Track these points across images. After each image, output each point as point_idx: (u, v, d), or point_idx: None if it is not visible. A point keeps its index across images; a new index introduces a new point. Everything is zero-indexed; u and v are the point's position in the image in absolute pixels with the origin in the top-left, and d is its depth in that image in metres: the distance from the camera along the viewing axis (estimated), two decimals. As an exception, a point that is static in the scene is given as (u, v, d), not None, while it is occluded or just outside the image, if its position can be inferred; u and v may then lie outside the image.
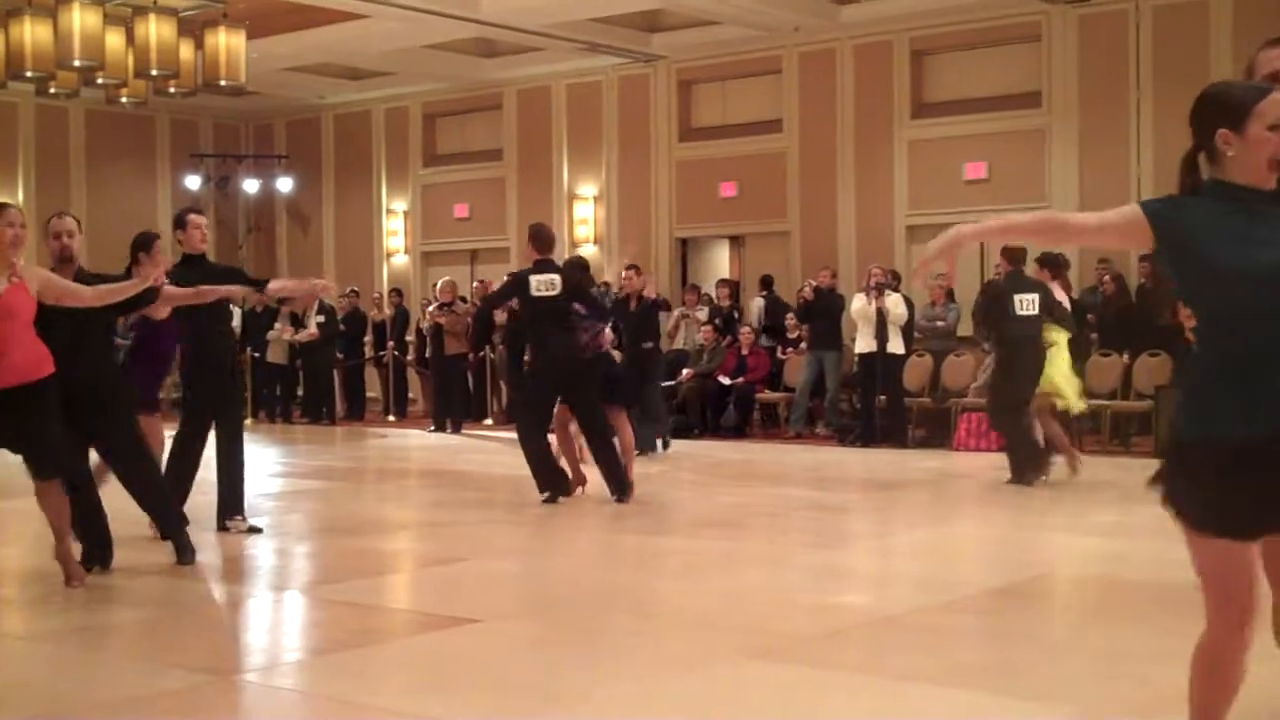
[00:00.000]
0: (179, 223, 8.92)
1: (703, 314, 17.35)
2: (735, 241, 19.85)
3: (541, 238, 10.46)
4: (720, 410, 16.39)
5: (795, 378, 16.23)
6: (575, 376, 10.25)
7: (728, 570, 7.85)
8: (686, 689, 5.25)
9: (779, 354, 16.79)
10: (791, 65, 18.21)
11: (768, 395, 16.56)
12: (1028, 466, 10.96)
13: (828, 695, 5.19)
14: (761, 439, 15.87)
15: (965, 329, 14.95)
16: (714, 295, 18.01)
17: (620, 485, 10.33)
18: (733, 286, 18.04)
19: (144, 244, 8.57)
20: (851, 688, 5.29)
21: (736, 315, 17.37)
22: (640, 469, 12.96)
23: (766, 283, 17.96)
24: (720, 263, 20.15)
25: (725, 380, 16.39)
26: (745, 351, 16.55)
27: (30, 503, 7.03)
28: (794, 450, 14.79)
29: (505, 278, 11.27)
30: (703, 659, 5.68)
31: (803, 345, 16.28)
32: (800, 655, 5.74)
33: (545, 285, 10.17)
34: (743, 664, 5.59)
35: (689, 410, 16.37)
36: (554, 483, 10.34)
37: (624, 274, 13.92)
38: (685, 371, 16.60)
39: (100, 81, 14.56)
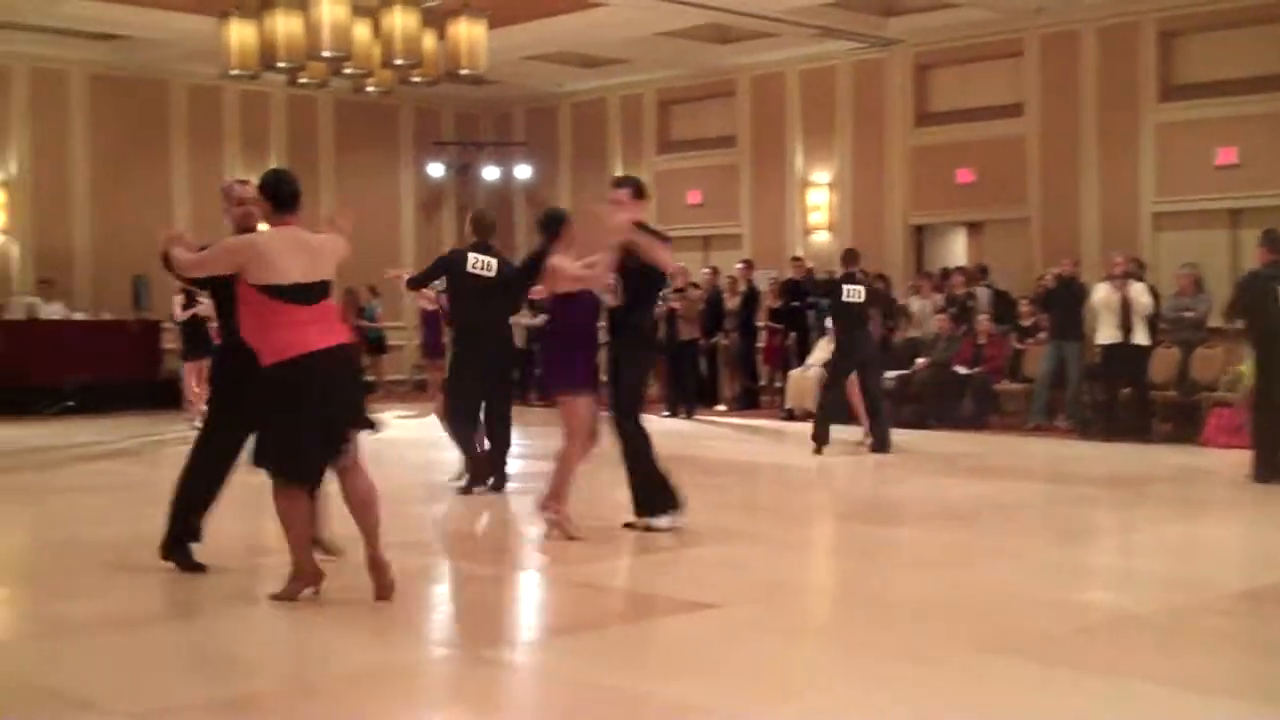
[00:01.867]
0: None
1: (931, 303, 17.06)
2: (973, 229, 19.45)
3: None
4: (956, 401, 16.08)
5: (1034, 368, 15.83)
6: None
7: (962, 563, 7.70)
8: (923, 682, 5.16)
9: (1015, 344, 16.38)
10: (1033, 48, 17.74)
11: (1006, 386, 16.18)
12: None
13: (1068, 695, 5.05)
14: (999, 430, 15.52)
15: (1216, 320, 14.36)
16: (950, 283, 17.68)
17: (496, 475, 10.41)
18: (969, 274, 17.68)
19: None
20: (1094, 689, 5.12)
21: (972, 304, 17.01)
22: (872, 460, 12.84)
23: (983, 272, 17.61)
24: (956, 250, 19.77)
25: (961, 370, 16.08)
26: (982, 341, 16.20)
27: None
28: (1032, 443, 14.42)
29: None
30: (938, 652, 5.58)
31: (1041, 335, 15.87)
32: (1039, 652, 5.59)
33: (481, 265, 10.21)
34: (979, 659, 5.47)
35: (923, 400, 16.11)
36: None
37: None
38: (919, 360, 16.34)
39: (348, 72, 14.99)
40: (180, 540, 7.07)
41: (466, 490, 10.31)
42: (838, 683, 5.18)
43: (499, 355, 10.49)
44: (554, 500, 8.29)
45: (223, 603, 6.59)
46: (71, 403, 17.32)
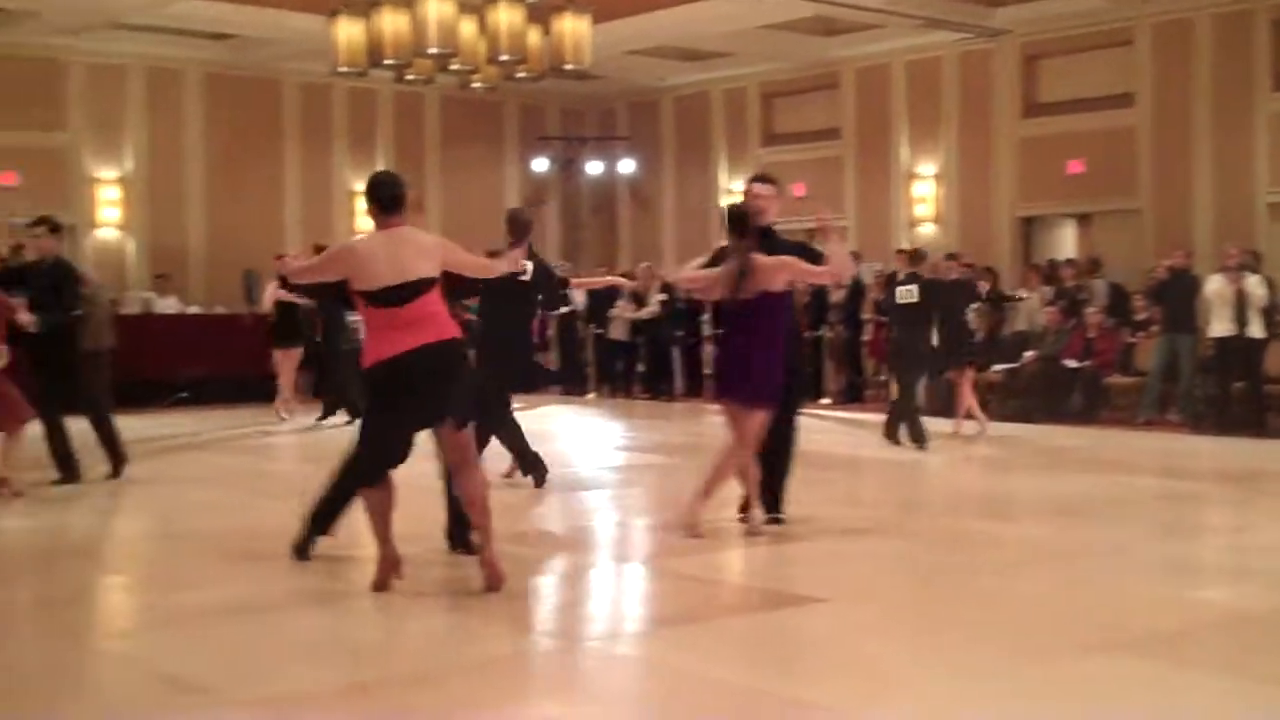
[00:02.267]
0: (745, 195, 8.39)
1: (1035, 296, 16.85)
2: (1082, 220, 19.19)
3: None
4: (1065, 394, 15.87)
5: (1146, 362, 15.58)
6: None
7: (1072, 559, 7.61)
8: (1034, 680, 5.12)
9: (1127, 338, 16.13)
10: (1144, 37, 17.45)
11: (1117, 379, 15.94)
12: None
13: (1183, 694, 4.98)
14: (1108, 425, 15.29)
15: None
16: (1059, 275, 17.45)
17: None
18: (1080, 267, 17.42)
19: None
20: (1210, 689, 5.05)
21: (1083, 296, 16.77)
22: (980, 454, 12.72)
23: (1096, 264, 17.33)
24: (1065, 242, 19.51)
25: (1071, 363, 15.86)
26: (1092, 334, 15.97)
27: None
28: (1143, 437, 14.20)
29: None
30: (1049, 650, 5.53)
31: (1153, 328, 15.61)
32: (1151, 650, 5.52)
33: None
34: (1090, 657, 5.41)
35: (1031, 394, 15.92)
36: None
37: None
38: (1028, 354, 16.15)
39: (454, 68, 15.11)
40: (315, 531, 7.20)
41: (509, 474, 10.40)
42: (947, 679, 5.15)
43: (527, 356, 10.41)
44: (699, 499, 8.11)
45: (337, 592, 6.70)
46: (185, 394, 17.68)
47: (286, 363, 15.83)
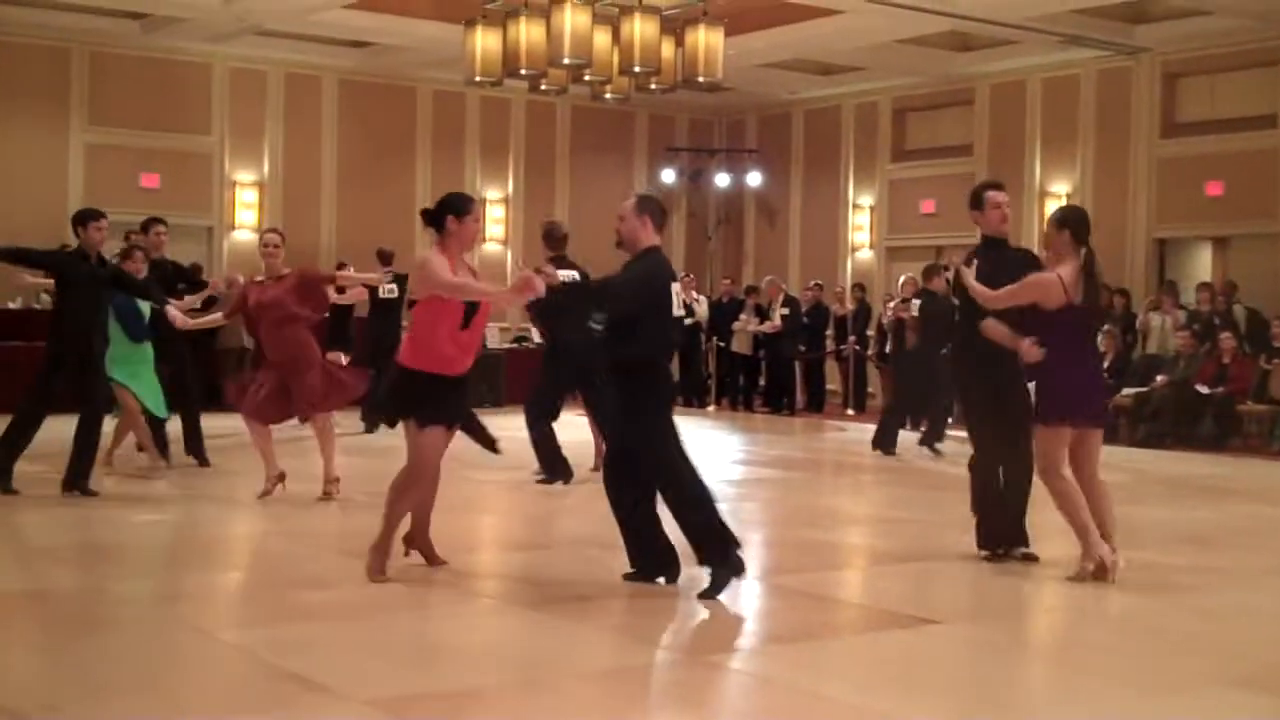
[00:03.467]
0: (976, 202, 8.04)
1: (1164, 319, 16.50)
2: (1219, 243, 18.74)
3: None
4: (1196, 421, 15.51)
5: (1281, 390, 15.18)
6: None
7: (1203, 589, 7.43)
8: (1160, 715, 5.00)
9: (1262, 364, 15.72)
10: (1290, 56, 17.04)
11: (1250, 407, 15.54)
12: None
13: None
14: (1240, 453, 14.91)
15: None
16: (1194, 299, 17.08)
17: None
18: (1216, 291, 17.02)
19: None
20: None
21: (1217, 321, 16.38)
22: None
23: (1233, 288, 16.95)
24: (1201, 265, 19.07)
25: (1203, 389, 15.50)
26: (1226, 360, 15.59)
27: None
28: (1278, 467, 13.82)
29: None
30: (1180, 683, 5.40)
31: (1291, 356, 15.22)
32: (1284, 688, 5.38)
33: None
34: (1225, 692, 5.28)
35: (1161, 419, 15.59)
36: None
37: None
38: (1159, 378, 15.82)
39: (587, 79, 15.23)
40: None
41: (546, 482, 10.82)
42: (1069, 709, 5.05)
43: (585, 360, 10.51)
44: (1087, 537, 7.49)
45: (453, 596, 6.77)
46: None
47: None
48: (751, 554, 8.41)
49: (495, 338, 20.17)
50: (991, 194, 8.02)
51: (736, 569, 6.84)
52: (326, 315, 10.88)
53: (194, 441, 11.58)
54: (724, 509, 9.42)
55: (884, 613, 6.74)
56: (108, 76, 18.88)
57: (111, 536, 8.43)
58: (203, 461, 11.52)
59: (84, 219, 9.85)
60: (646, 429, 6.87)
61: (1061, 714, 4.98)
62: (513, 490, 10.68)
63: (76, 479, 9.59)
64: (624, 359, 6.95)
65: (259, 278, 9.85)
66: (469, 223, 7.00)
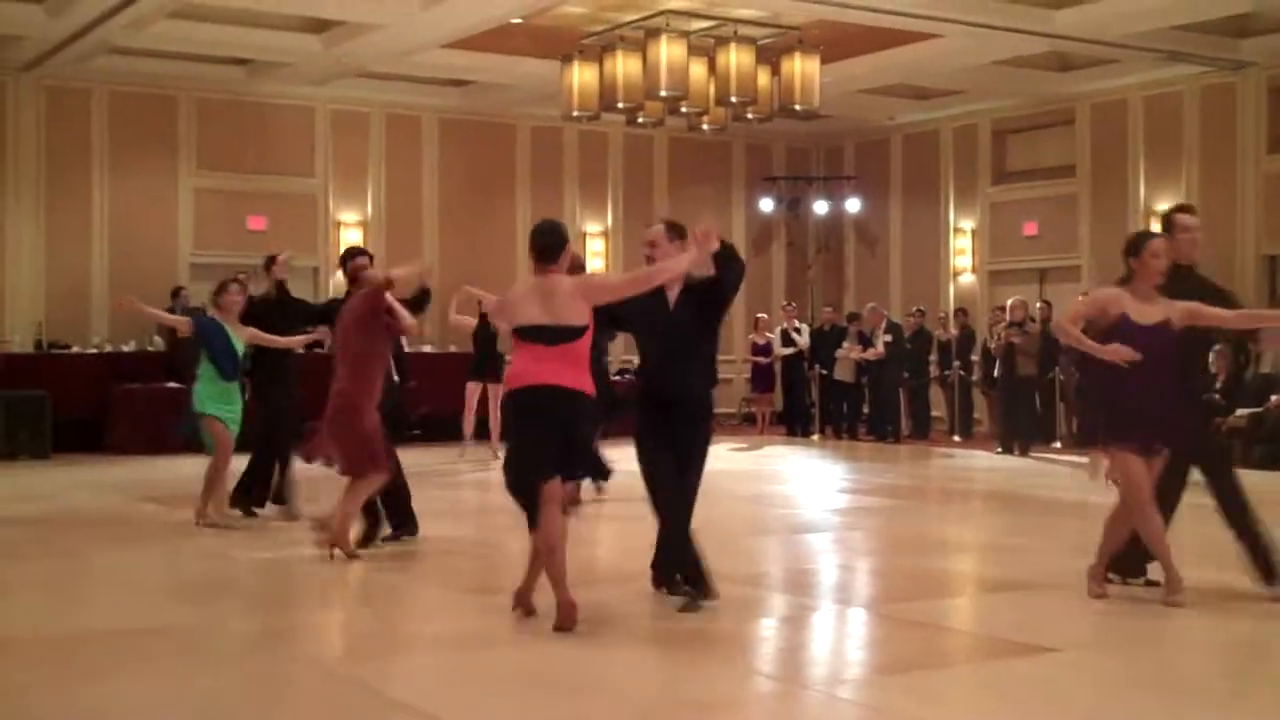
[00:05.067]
0: (1166, 226, 7.82)
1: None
2: (1333, 259, 18.35)
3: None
4: (1313, 440, 15.16)
5: (1403, 408, 14.79)
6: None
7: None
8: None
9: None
10: (1401, 67, 16.67)
11: (1369, 426, 15.17)
12: None
13: None
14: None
15: None
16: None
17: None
18: (1330, 308, 16.65)
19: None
20: None
21: (1333, 338, 16.01)
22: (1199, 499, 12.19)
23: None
24: (1314, 282, 18.66)
25: (1320, 408, 15.15)
26: (1344, 378, 15.24)
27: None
28: (1400, 487, 13.45)
29: None
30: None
31: None
32: None
33: None
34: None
35: (1277, 440, 15.25)
36: None
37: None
38: (1274, 398, 15.49)
39: (683, 110, 15.31)
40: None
41: None
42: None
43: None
44: (1097, 568, 7.49)
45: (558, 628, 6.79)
46: (418, 431, 18.05)
47: (473, 395, 16.11)
48: (860, 582, 8.36)
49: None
50: (1181, 217, 7.72)
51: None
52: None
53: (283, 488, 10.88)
54: (830, 538, 9.42)
55: (997, 641, 6.65)
56: (214, 122, 19.32)
57: (227, 572, 8.57)
58: (291, 515, 10.61)
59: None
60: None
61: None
62: (610, 520, 10.70)
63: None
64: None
65: None
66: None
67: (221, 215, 19.19)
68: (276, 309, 10.58)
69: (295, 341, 10.64)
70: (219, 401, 10.22)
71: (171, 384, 16.98)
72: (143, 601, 7.57)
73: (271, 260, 10.90)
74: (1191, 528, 8.04)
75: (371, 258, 10.10)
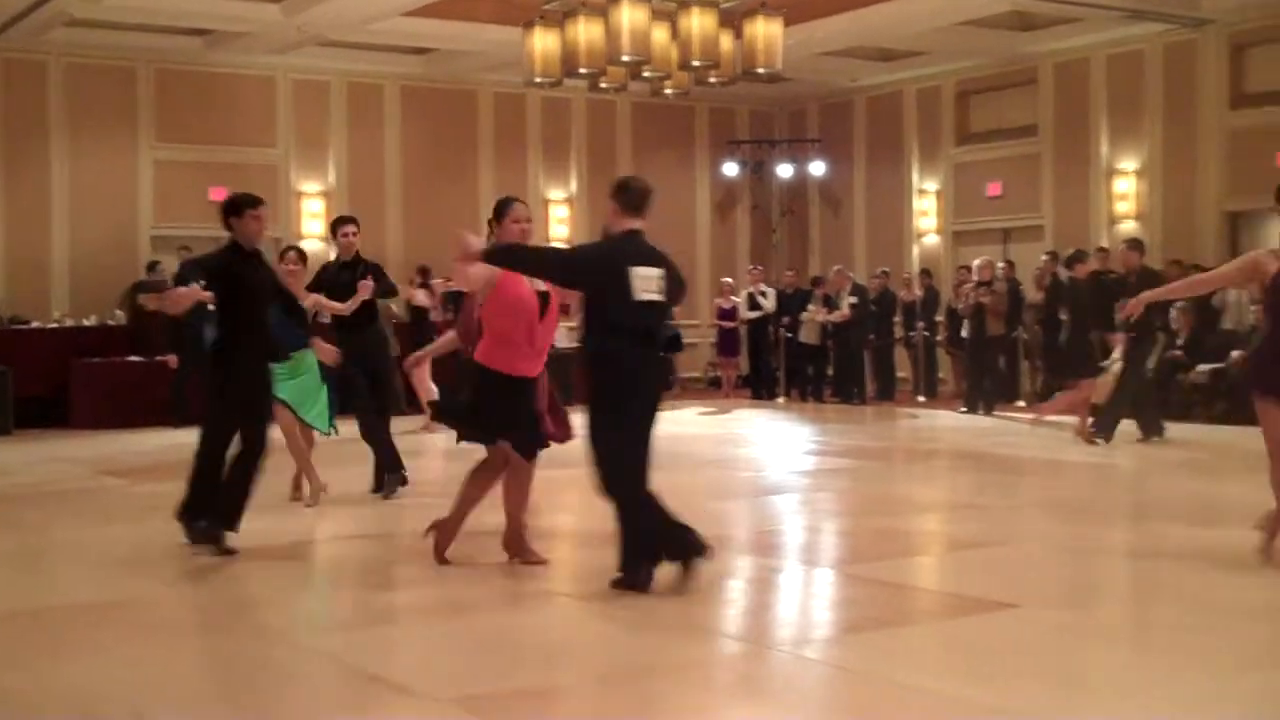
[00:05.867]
0: None
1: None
2: (1293, 214, 18.46)
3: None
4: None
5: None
6: None
7: (1285, 566, 7.33)
8: (1250, 690, 4.94)
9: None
10: (1361, 21, 16.75)
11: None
12: None
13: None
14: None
15: None
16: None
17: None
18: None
19: None
20: None
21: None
22: (1182, 457, 12.33)
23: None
24: (1274, 237, 18.74)
25: (1281, 364, 15.25)
26: (1304, 332, 15.33)
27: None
28: (1361, 440, 13.58)
29: None
30: (1260, 661, 5.33)
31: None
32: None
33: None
34: (1304, 669, 5.22)
35: (1238, 396, 15.34)
36: None
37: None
38: (1235, 354, 15.60)
39: (646, 75, 15.23)
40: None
41: None
42: (1160, 687, 5.00)
43: None
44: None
45: (529, 594, 6.81)
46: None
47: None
48: (825, 543, 8.41)
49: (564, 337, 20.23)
50: None
51: (643, 583, 6.62)
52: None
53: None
54: (796, 500, 9.47)
55: (960, 598, 6.70)
56: (173, 93, 19.15)
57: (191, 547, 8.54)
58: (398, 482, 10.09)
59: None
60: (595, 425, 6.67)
61: (1148, 695, 4.93)
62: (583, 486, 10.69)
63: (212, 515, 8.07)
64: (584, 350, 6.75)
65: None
66: (507, 224, 7.21)
67: (182, 187, 19.03)
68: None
69: (348, 306, 9.84)
70: (281, 379, 9.21)
71: (134, 358, 16.95)
72: (104, 575, 7.53)
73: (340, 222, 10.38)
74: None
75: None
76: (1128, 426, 13.29)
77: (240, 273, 7.97)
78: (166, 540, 8.27)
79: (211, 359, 8.09)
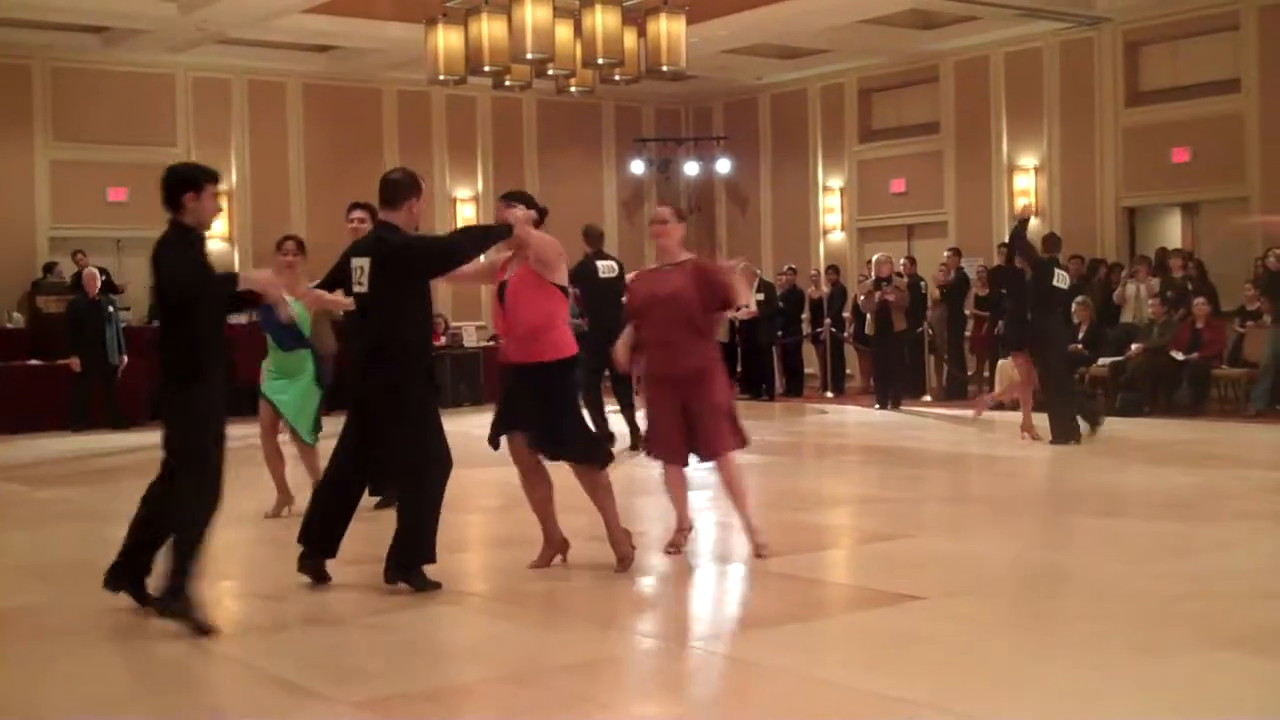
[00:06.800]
0: None
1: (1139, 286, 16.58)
2: (1188, 210, 18.82)
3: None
4: (1173, 387, 15.59)
5: (1255, 353, 15.26)
6: None
7: (1186, 555, 7.47)
8: (1150, 678, 5.03)
9: (1236, 328, 15.81)
10: (1249, 21, 17.10)
11: (1225, 371, 15.64)
12: None
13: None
14: (1217, 417, 15.00)
15: None
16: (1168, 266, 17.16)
17: None
18: (1186, 257, 17.11)
19: None
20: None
21: (1190, 286, 16.45)
22: (1085, 450, 12.52)
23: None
24: (1170, 232, 19.16)
25: (1178, 355, 15.57)
26: (1200, 325, 15.67)
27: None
28: (1255, 430, 13.91)
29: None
30: (1167, 647, 5.43)
31: (1265, 319, 15.30)
32: (1269, 648, 5.40)
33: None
34: (1212, 654, 5.31)
35: (1138, 387, 15.66)
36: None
37: None
38: (1134, 346, 15.89)
39: (551, 73, 15.19)
40: None
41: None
42: (1059, 677, 5.07)
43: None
44: None
45: (442, 596, 6.75)
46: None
47: None
48: (737, 539, 8.42)
49: (473, 336, 20.15)
50: None
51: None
52: None
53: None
54: (706, 496, 9.48)
55: (868, 591, 6.76)
56: (70, 92, 18.81)
57: (97, 552, 8.37)
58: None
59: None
60: None
61: (1053, 684, 5.00)
62: (498, 488, 10.65)
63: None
64: None
65: None
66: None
67: (81, 187, 18.71)
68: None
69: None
70: (271, 376, 9.03)
71: (33, 361, 16.61)
72: (6, 581, 7.39)
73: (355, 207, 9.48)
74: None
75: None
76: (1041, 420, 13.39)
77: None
78: (70, 546, 8.13)
79: (178, 374, 6.17)
